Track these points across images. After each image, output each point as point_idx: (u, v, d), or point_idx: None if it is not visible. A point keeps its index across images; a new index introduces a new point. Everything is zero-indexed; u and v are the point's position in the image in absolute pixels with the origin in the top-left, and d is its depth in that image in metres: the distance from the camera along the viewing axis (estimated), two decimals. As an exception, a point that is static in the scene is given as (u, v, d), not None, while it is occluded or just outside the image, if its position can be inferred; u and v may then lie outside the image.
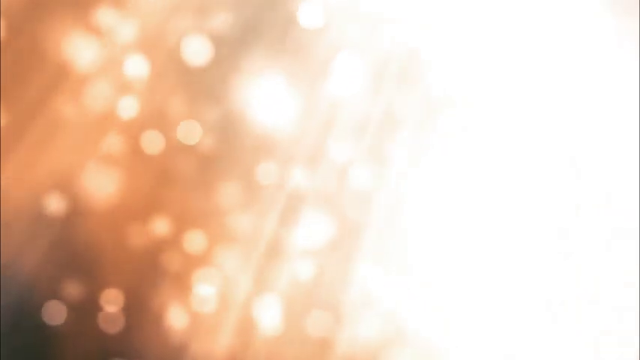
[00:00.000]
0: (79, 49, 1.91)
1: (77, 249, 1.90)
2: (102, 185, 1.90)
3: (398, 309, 1.88)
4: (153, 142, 1.90)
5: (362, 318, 1.87)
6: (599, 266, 1.86)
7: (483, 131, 1.90)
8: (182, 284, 1.90)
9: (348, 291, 1.88)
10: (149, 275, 1.90)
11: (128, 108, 1.91)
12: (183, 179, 1.91)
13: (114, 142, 1.91)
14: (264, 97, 1.91)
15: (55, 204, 1.90)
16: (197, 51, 1.92)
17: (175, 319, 1.89)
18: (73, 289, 1.89)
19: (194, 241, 1.90)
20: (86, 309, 1.89)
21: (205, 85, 1.92)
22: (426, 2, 1.90)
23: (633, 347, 1.83)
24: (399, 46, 1.89)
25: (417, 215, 1.90)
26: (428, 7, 1.90)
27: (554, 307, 1.86)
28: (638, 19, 1.85)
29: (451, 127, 1.90)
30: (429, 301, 1.88)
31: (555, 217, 1.88)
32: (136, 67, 1.91)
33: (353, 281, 1.88)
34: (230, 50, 1.92)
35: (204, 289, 1.90)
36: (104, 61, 1.91)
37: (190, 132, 1.90)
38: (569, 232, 1.87)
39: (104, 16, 1.91)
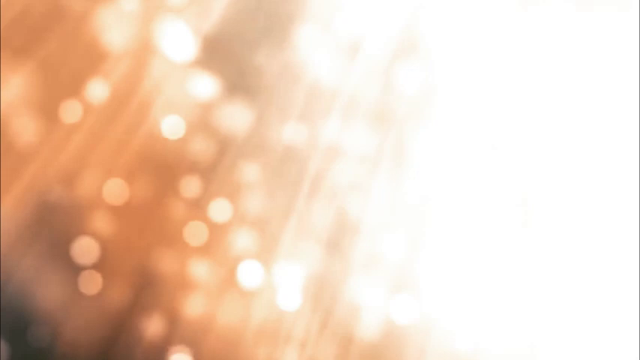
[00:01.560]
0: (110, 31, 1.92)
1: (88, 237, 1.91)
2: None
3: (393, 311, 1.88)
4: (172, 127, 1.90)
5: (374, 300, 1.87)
6: (599, 266, 1.86)
7: (484, 131, 1.91)
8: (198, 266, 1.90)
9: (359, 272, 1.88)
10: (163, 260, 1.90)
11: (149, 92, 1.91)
12: (202, 161, 1.91)
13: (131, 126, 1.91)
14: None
15: (60, 194, 1.90)
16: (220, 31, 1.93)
17: (190, 305, 1.89)
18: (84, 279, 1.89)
19: (216, 214, 1.90)
20: (98, 299, 1.89)
21: (227, 64, 1.92)
22: (429, 2, 1.92)
23: (633, 347, 1.83)
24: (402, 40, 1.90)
25: (418, 213, 1.90)
26: (430, 6, 1.92)
27: (554, 307, 1.86)
28: (638, 19, 1.86)
29: (451, 126, 1.91)
30: (431, 303, 1.88)
31: (555, 217, 1.88)
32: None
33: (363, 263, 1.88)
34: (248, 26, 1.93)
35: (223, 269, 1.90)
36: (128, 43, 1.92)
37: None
38: (569, 231, 1.87)
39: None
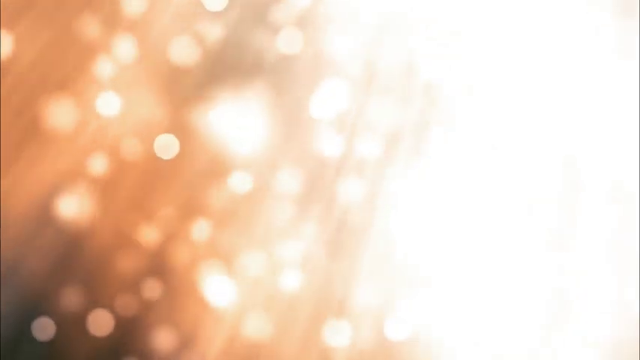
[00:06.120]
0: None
1: (78, 256, 1.90)
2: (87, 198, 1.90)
3: (393, 318, 1.88)
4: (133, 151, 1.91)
5: (358, 327, 1.87)
6: (598, 266, 1.86)
7: (484, 132, 1.90)
8: (172, 297, 1.90)
9: (342, 300, 1.88)
10: (138, 288, 1.90)
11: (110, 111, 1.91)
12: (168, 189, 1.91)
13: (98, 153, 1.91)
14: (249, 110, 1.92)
15: (57, 209, 1.90)
16: (184, 53, 1.92)
17: (166, 333, 1.89)
18: (68, 298, 1.89)
19: (182, 251, 1.91)
20: (85, 315, 1.89)
21: (189, 95, 1.92)
22: (427, 4, 1.90)
23: (633, 346, 1.84)
24: (388, 58, 1.89)
25: (417, 216, 1.90)
26: (429, 9, 1.90)
27: (553, 308, 1.86)
28: (638, 20, 1.85)
29: (451, 128, 1.90)
30: (430, 304, 1.88)
31: (555, 218, 1.88)
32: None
33: (346, 290, 1.88)
34: (215, 61, 1.92)
35: (195, 301, 1.90)
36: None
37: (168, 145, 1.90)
38: (568, 232, 1.87)
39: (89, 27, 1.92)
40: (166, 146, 1.88)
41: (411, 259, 1.89)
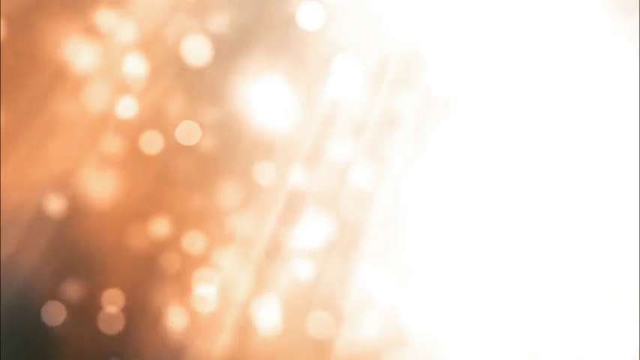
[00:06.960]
0: (78, 50, 1.91)
1: (76, 249, 1.90)
2: (101, 185, 1.90)
3: (398, 309, 1.88)
4: (152, 143, 1.91)
5: (362, 318, 1.87)
6: (598, 267, 1.86)
7: (483, 131, 1.90)
8: (181, 285, 1.90)
9: (348, 291, 1.88)
10: (148, 276, 1.90)
11: (127, 108, 1.91)
12: (182, 179, 1.91)
13: (112, 143, 1.91)
14: (262, 97, 1.91)
15: (54, 204, 1.90)
16: (196, 50, 1.91)
17: (174, 320, 1.89)
18: (72, 289, 1.89)
19: (193, 241, 1.90)
20: (85, 309, 1.89)
21: (204, 85, 1.92)
22: (427, 2, 1.90)
23: (633, 347, 1.84)
24: (399, 46, 1.89)
25: (417, 215, 1.90)
26: (428, 6, 1.90)
27: (553, 308, 1.86)
28: (638, 20, 1.85)
29: (451, 126, 1.90)
30: (430, 301, 1.88)
31: (555, 218, 1.88)
32: (135, 67, 1.91)
33: (353, 281, 1.88)
34: (229, 50, 1.92)
35: (204, 290, 1.90)
36: (103, 62, 1.91)
37: (189, 132, 1.90)
38: (568, 232, 1.87)
39: (103, 17, 1.91)
40: (187, 134, 1.88)
41: (417, 253, 1.89)
